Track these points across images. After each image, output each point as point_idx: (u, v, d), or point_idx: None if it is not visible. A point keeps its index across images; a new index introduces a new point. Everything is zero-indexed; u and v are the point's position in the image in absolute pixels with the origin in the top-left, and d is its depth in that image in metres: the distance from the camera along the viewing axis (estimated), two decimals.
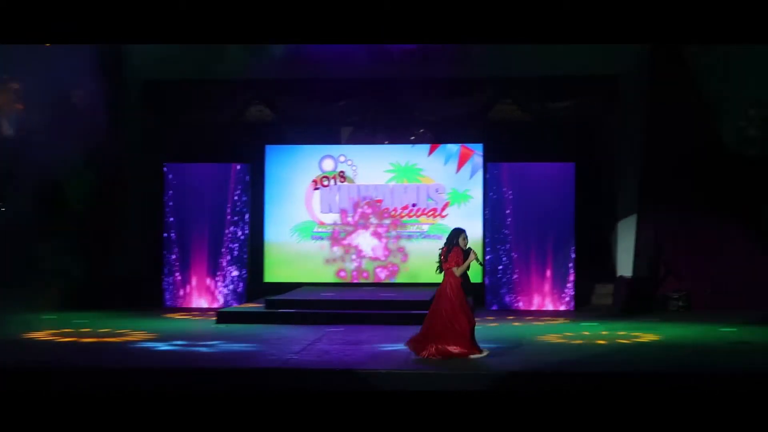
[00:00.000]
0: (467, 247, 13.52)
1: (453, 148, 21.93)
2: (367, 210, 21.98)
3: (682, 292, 20.34)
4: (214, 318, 18.18)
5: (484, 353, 13.29)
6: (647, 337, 15.98)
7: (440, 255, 13.64)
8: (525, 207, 20.96)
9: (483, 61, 20.95)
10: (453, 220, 21.60)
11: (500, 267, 20.91)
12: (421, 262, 21.79)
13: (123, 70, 21.39)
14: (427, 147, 22.02)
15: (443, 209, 21.77)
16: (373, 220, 21.99)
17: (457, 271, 13.39)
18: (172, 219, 21.42)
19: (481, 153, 21.80)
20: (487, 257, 21.02)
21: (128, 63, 21.32)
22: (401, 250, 21.98)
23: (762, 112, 21.15)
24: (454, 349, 13.17)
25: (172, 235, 21.40)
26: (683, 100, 20.66)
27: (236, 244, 21.41)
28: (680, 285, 20.45)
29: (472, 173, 21.79)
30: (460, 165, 21.85)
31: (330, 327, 16.98)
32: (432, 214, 21.81)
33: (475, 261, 13.50)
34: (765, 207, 20.84)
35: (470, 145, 21.84)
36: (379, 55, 21.28)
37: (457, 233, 13.57)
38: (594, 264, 21.42)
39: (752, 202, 20.78)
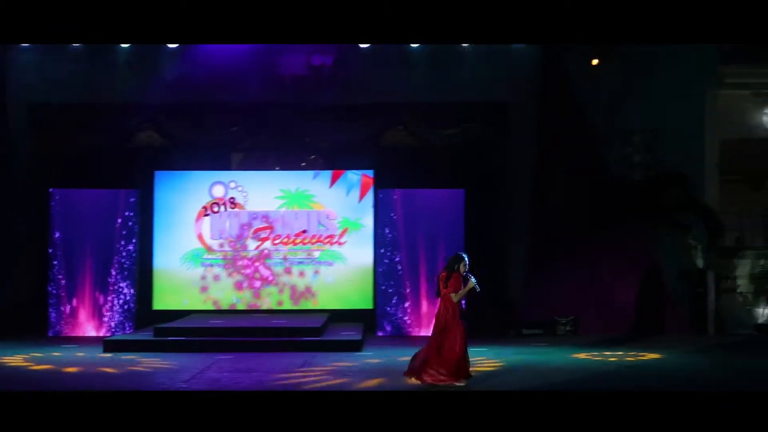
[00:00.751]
0: (465, 273, 13.45)
1: (354, 177, 21.81)
2: (258, 236, 21.78)
3: (570, 317, 20.61)
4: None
5: (464, 383, 13.37)
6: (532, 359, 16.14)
7: (439, 280, 13.59)
8: (416, 233, 21.00)
9: (374, 88, 21.07)
10: (345, 246, 21.58)
11: (391, 291, 20.89)
12: (311, 289, 21.69)
13: (6, 92, 20.97)
14: (328, 177, 21.84)
15: (342, 236, 21.70)
16: (266, 246, 21.81)
17: (455, 297, 13.42)
18: (58, 246, 20.95)
19: (372, 178, 21.75)
20: (379, 282, 21.01)
21: (12, 85, 20.93)
22: (293, 276, 21.81)
23: (646, 139, 21.66)
24: (440, 375, 13.24)
25: (59, 261, 20.93)
26: (571, 127, 21.02)
27: (125, 272, 21.03)
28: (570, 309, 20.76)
29: (374, 202, 21.73)
30: (363, 194, 21.78)
31: (220, 355, 16.80)
32: (328, 241, 21.71)
33: (473, 287, 13.42)
34: (659, 230, 21.28)
35: (361, 171, 21.79)
36: (270, 81, 21.23)
37: (458, 259, 13.58)
38: (484, 289, 21.50)
39: (639, 227, 21.18)
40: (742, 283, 21.80)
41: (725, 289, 21.58)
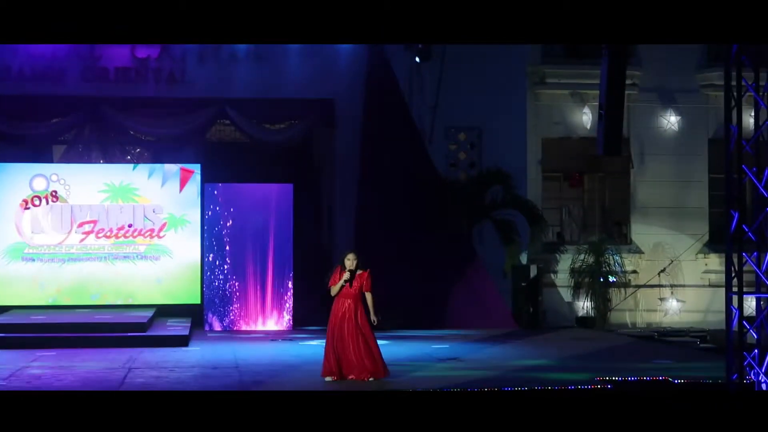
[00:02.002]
0: (351, 267, 13.29)
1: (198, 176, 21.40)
2: (82, 230, 21.27)
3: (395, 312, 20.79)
4: None
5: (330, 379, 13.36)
6: None
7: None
8: (244, 228, 20.81)
9: (200, 82, 21.01)
10: (171, 240, 21.27)
11: (219, 287, 20.69)
12: (137, 283, 21.28)
13: None
14: (177, 181, 21.38)
15: (161, 230, 21.36)
16: (90, 240, 21.30)
17: (332, 291, 13.32)
18: None
19: (199, 173, 21.47)
20: (206, 277, 20.78)
21: None
22: (117, 271, 21.37)
23: (470, 137, 22.13)
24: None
25: None
26: (397, 124, 21.29)
27: None
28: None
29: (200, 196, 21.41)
30: (192, 188, 21.49)
31: (42, 351, 16.41)
32: (149, 235, 21.35)
33: (344, 282, 13.27)
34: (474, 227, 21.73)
35: (188, 166, 21.45)
36: (93, 73, 20.96)
37: (344, 254, 13.43)
38: (313, 284, 21.55)
39: (464, 223, 21.60)
40: (563, 278, 22.46)
41: (547, 283, 22.19)
